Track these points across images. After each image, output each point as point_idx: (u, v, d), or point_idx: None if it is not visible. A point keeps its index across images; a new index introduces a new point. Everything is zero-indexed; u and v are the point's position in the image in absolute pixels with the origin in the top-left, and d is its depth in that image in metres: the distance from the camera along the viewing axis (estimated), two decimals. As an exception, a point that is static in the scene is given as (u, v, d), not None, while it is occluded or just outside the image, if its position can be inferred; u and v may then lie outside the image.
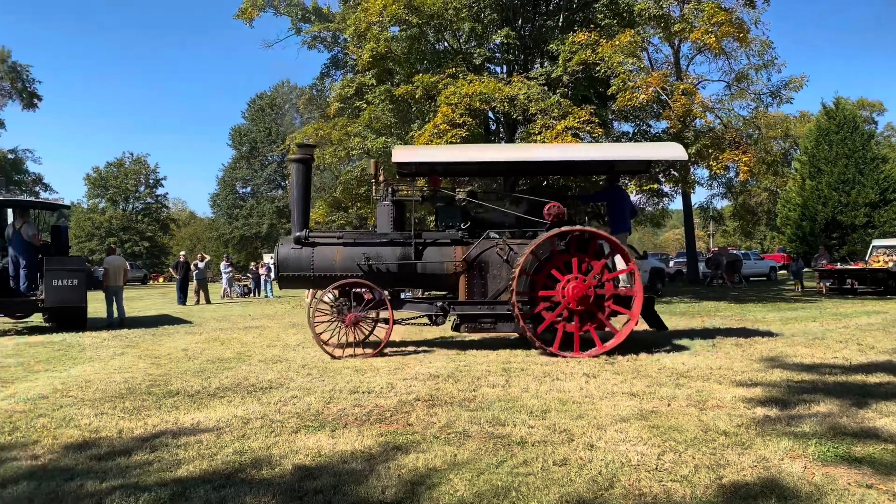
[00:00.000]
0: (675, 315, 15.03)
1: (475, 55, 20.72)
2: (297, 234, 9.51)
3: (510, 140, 21.35)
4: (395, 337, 10.30)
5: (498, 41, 20.34)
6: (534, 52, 21.62)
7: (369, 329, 10.00)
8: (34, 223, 14.06)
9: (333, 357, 8.87)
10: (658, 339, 10.17)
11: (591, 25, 18.87)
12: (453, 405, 5.89)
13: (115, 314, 14.77)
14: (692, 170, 20.78)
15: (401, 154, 9.66)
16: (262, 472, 4.19)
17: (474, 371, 7.58)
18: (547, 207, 9.25)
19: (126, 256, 49.46)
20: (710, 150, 18.53)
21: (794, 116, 49.77)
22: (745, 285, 29.77)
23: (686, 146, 18.81)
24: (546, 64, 20.26)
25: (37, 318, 15.60)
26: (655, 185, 19.30)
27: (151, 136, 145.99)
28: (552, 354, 8.59)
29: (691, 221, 33.14)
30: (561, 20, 20.47)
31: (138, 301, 24.37)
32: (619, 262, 9.40)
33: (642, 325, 9.85)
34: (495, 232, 9.69)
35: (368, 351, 9.10)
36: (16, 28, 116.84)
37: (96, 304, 15.73)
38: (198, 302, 22.77)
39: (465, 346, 9.93)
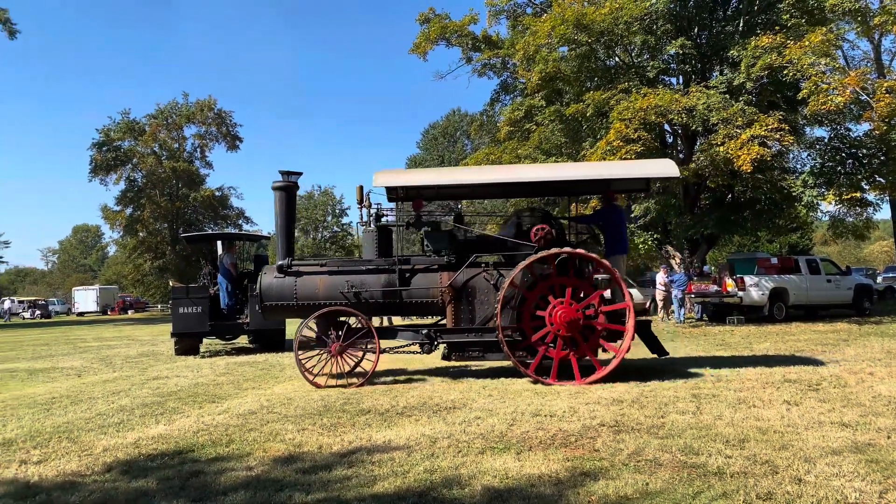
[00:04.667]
0: (886, 336, 13.50)
1: (648, 68, 20.14)
2: (280, 262, 9.43)
3: (689, 153, 20.45)
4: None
5: (672, 52, 19.62)
6: (712, 60, 20.63)
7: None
8: (235, 253, 15.52)
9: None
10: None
11: (776, 27, 17.65)
12: (641, 432, 5.68)
13: None
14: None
15: (382, 178, 9.08)
16: (453, 491, 4.28)
17: (660, 396, 7.27)
18: (534, 230, 8.82)
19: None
20: (923, 152, 16.57)
21: None
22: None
23: (893, 148, 17.00)
24: (726, 71, 19.22)
25: (242, 340, 17.15)
26: (858, 194, 17.46)
27: (336, 169, 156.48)
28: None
29: (903, 232, 29.70)
30: (741, 24, 19.35)
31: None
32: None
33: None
34: (485, 256, 9.21)
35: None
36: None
37: (292, 326, 17.00)
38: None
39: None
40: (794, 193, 18.43)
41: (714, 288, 19.62)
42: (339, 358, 9.06)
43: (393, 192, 9.64)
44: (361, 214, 9.76)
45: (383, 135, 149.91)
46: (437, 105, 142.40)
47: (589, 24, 18.42)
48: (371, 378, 9.07)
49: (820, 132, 21.47)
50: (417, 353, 9.42)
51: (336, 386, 8.82)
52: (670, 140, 22.67)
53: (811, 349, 11.79)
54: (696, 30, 20.66)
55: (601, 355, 8.90)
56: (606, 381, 8.25)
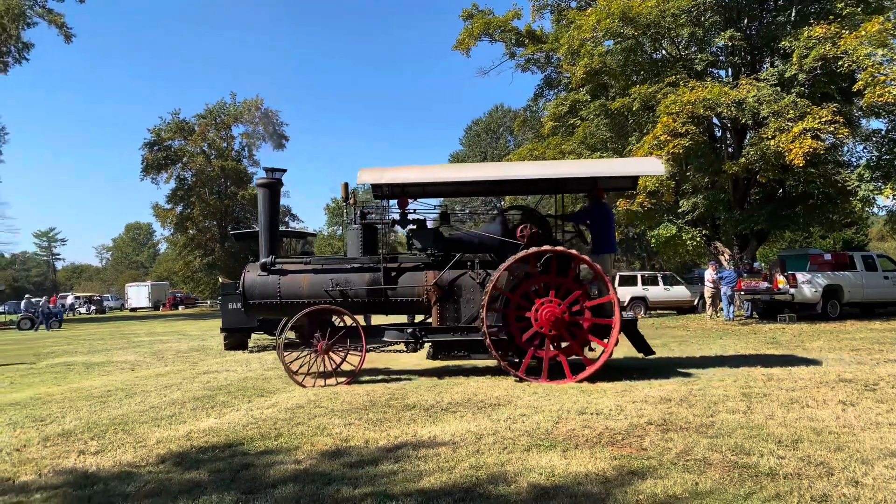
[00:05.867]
0: (949, 336, 13.00)
1: (696, 61, 19.79)
2: (264, 260, 9.34)
3: (738, 147, 20.01)
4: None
5: (721, 44, 19.22)
6: (762, 52, 20.14)
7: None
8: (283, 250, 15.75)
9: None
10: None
11: (830, 17, 17.13)
12: (689, 431, 5.59)
13: None
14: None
15: (366, 175, 8.86)
16: (499, 488, 4.28)
17: (710, 395, 7.13)
18: (520, 228, 8.74)
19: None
20: None
21: None
22: None
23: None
24: (777, 63, 18.74)
25: (289, 335, 17.37)
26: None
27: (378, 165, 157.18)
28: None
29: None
30: (793, 14, 18.82)
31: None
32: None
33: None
34: (471, 254, 9.08)
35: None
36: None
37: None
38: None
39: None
40: (849, 187, 17.89)
41: (764, 285, 19.16)
42: (325, 356, 9.07)
43: (378, 190, 9.60)
44: (347, 212, 9.74)
45: (426, 133, 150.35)
46: (480, 102, 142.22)
47: (635, 16, 18.17)
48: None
49: (877, 124, 20.84)
50: (403, 351, 9.41)
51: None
52: (719, 134, 22.22)
53: (867, 348, 11.42)
54: (745, 21, 20.20)
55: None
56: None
